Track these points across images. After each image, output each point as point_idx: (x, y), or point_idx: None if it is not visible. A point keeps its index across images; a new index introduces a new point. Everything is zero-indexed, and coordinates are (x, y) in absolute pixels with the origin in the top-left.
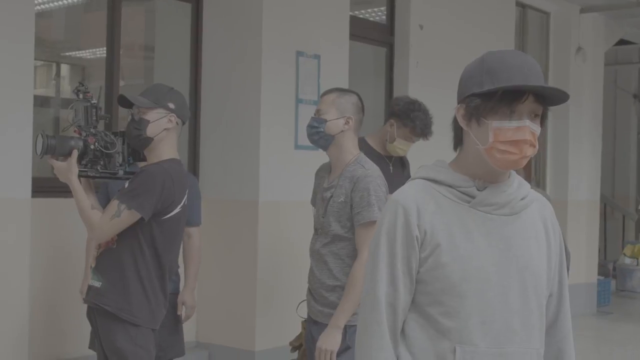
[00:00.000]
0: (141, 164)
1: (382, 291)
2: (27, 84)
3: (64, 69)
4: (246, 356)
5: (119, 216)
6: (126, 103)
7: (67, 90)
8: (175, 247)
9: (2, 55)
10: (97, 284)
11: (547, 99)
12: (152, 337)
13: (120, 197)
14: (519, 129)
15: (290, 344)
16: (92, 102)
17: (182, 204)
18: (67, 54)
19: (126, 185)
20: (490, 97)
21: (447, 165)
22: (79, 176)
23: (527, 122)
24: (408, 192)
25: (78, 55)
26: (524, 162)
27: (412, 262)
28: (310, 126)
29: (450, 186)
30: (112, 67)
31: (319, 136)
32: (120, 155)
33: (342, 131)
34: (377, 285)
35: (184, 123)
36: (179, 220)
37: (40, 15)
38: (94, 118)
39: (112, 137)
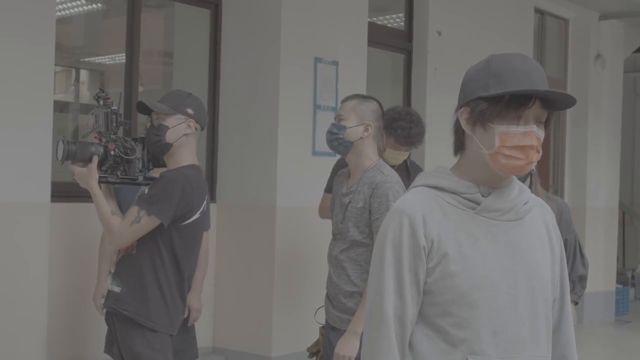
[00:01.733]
0: (158, 170)
1: (389, 304)
2: (48, 88)
3: (83, 74)
4: None
5: (139, 222)
6: (145, 110)
7: (86, 96)
8: (194, 253)
9: (24, 58)
10: (117, 289)
11: (552, 104)
12: (169, 343)
13: (140, 203)
14: (525, 134)
15: (308, 349)
16: (113, 108)
17: (201, 209)
18: (86, 59)
19: (146, 191)
20: (497, 101)
21: (449, 172)
22: (99, 182)
23: (534, 128)
24: (412, 200)
25: (97, 60)
26: (530, 167)
27: (420, 273)
28: (330, 132)
29: (454, 193)
30: (131, 73)
31: (339, 142)
32: (140, 161)
33: (362, 138)
34: (384, 299)
35: (202, 129)
36: (198, 226)
37: (59, 21)
38: (114, 124)
39: (132, 143)
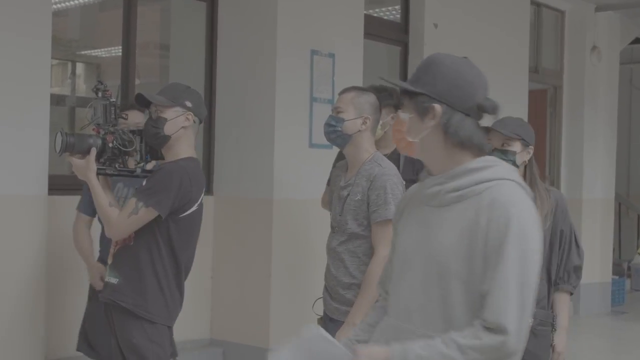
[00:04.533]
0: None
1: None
2: (44, 81)
3: (79, 67)
4: (260, 353)
5: (137, 213)
6: (143, 102)
7: (82, 89)
8: (192, 245)
9: (20, 52)
10: (114, 281)
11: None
12: (168, 334)
13: (138, 195)
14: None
15: None
16: (111, 100)
17: (199, 202)
18: (83, 52)
19: (144, 183)
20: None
21: None
22: (97, 174)
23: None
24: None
25: (93, 54)
26: (404, 149)
27: None
28: (327, 124)
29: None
30: (127, 66)
31: (337, 135)
32: (138, 153)
33: (360, 131)
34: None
35: (201, 122)
36: (196, 218)
37: (55, 14)
38: (113, 116)
39: (130, 135)
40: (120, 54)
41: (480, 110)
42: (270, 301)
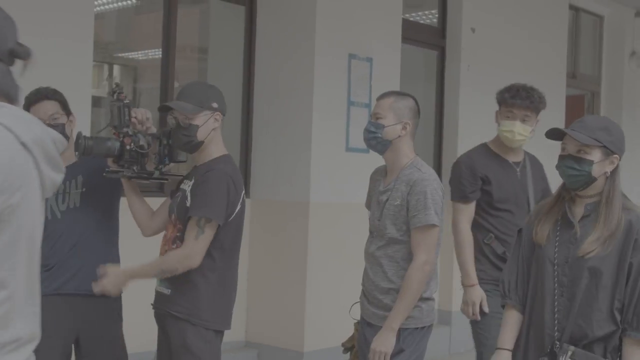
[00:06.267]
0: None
1: None
2: (86, 83)
3: (117, 69)
4: (295, 357)
5: (204, 232)
6: (166, 108)
7: None
8: (239, 242)
9: (62, 54)
10: (166, 291)
11: None
12: (221, 338)
13: (196, 212)
14: None
15: (343, 344)
16: (125, 101)
17: (241, 199)
18: (119, 55)
19: (188, 197)
20: None
21: None
22: (114, 176)
23: None
24: None
25: (130, 56)
26: None
27: None
28: (367, 131)
29: None
30: (167, 69)
31: (377, 141)
32: (157, 156)
33: (400, 136)
34: None
35: (224, 115)
36: (242, 216)
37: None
38: (127, 117)
39: (149, 138)
40: (157, 56)
41: (13, 55)
42: (305, 304)
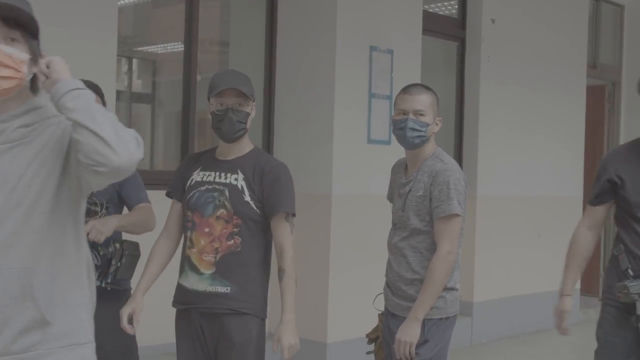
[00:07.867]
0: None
1: None
2: (110, 75)
3: (135, 63)
4: (318, 348)
5: (293, 225)
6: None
7: (138, 84)
8: None
9: (86, 46)
10: (225, 289)
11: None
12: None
13: (283, 209)
14: None
15: (367, 335)
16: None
17: None
18: (139, 48)
19: (246, 191)
20: None
21: None
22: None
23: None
24: None
25: (150, 50)
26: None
27: None
28: (412, 129)
29: None
30: (189, 61)
31: (421, 140)
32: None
33: (434, 132)
34: None
35: None
36: None
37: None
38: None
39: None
40: (177, 50)
41: None
42: (328, 295)
